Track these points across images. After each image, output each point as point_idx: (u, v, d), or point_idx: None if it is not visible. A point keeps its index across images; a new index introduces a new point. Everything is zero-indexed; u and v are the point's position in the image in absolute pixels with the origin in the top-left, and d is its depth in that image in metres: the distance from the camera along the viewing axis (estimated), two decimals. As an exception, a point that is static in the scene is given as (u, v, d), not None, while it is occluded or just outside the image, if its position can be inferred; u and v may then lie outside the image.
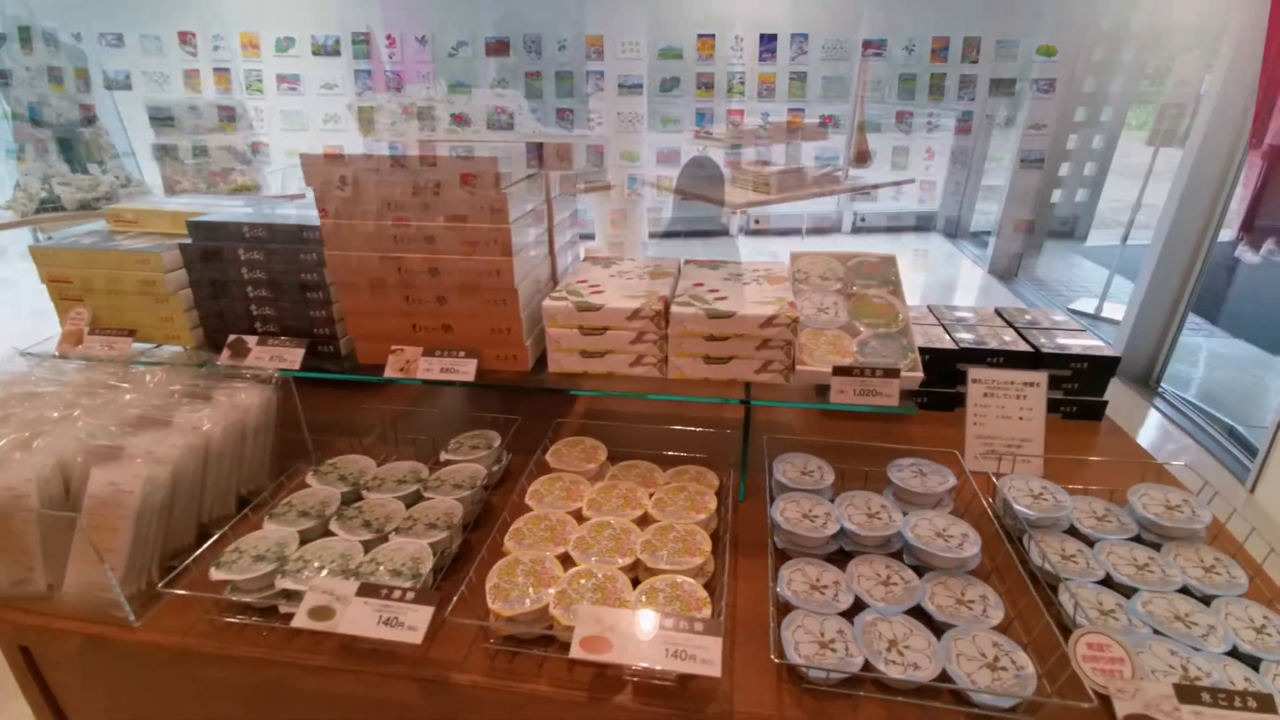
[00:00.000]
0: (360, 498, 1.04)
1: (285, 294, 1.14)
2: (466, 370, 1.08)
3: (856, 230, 5.98)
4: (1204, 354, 3.85)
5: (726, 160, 3.47)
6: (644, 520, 0.97)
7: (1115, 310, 4.16)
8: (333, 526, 0.94)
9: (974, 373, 1.17)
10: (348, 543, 0.90)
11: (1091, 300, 4.50)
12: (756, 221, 5.91)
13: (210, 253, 1.13)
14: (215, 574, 0.85)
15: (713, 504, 0.98)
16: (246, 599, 0.85)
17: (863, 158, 3.75)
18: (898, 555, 0.92)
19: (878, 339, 1.08)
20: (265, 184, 3.32)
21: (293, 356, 1.14)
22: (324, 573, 0.84)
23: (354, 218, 1.03)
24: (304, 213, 1.20)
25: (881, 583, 0.86)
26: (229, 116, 3.28)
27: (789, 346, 1.02)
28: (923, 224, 6.10)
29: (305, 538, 0.93)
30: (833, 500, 0.99)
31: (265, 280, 1.14)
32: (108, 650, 0.89)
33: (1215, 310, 4.22)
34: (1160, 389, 3.25)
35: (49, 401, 1.03)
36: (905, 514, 0.95)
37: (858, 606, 0.83)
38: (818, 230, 5.96)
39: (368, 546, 0.90)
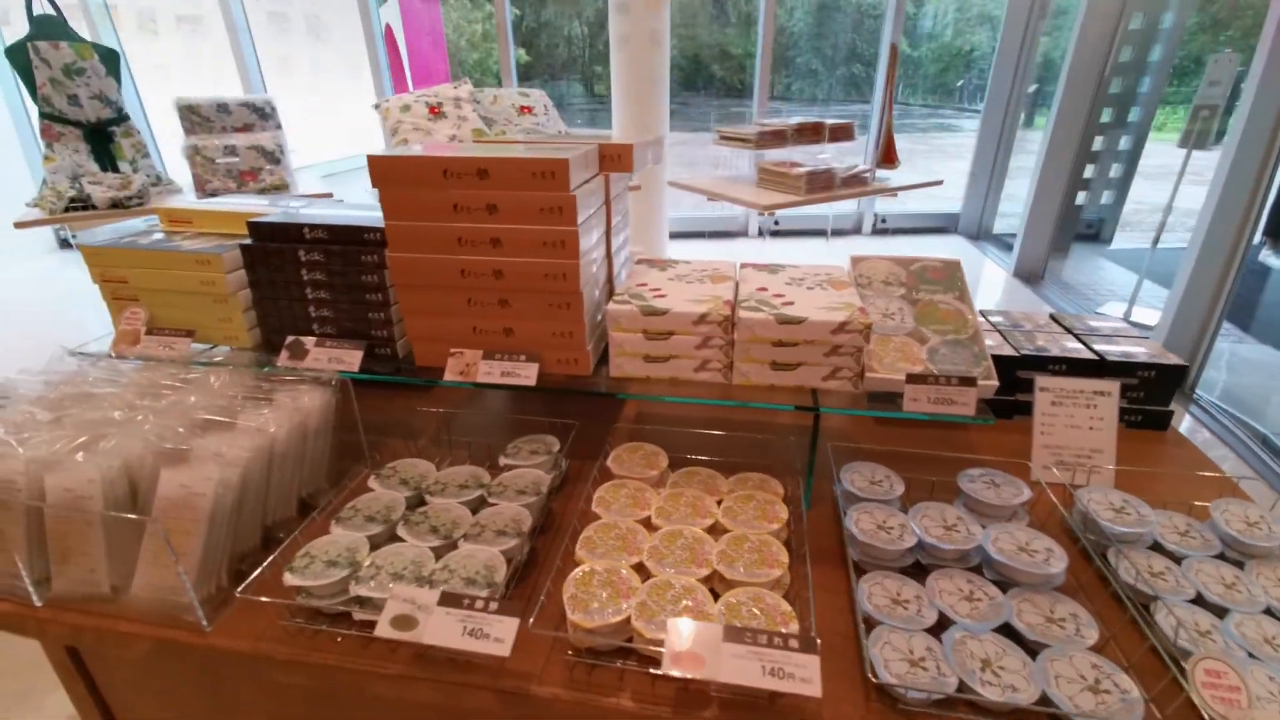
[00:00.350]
0: (423, 502, 1.03)
1: (344, 295, 1.13)
2: (527, 374, 1.07)
3: (877, 232, 5.93)
4: (1235, 359, 3.79)
5: (756, 162, 3.45)
6: (714, 529, 0.95)
7: (1144, 315, 4.10)
8: (400, 532, 0.93)
9: (1042, 381, 1.14)
10: (418, 549, 0.89)
11: (1119, 305, 4.44)
12: (776, 223, 5.87)
13: (271, 253, 1.13)
14: (289, 579, 0.84)
15: (784, 513, 0.96)
16: (320, 605, 0.84)
17: (890, 159, 3.71)
18: (975, 570, 0.90)
19: (947, 346, 1.06)
20: (294, 183, 3.33)
21: (351, 358, 1.13)
22: (399, 580, 0.83)
23: (418, 219, 1.02)
24: (362, 214, 1.20)
25: (965, 598, 0.84)
26: (261, 115, 3.29)
27: (859, 353, 1.00)
28: (945, 226, 6.04)
29: (374, 543, 0.92)
30: (904, 511, 0.97)
31: (325, 281, 1.13)
32: (176, 654, 0.88)
33: (1245, 316, 4.15)
34: (1195, 395, 3.20)
35: (109, 402, 1.03)
36: (984, 527, 0.93)
37: (941, 623, 0.81)
38: (836, 232, 5.91)
39: (438, 553, 0.89)
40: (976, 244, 5.75)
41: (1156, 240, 4.52)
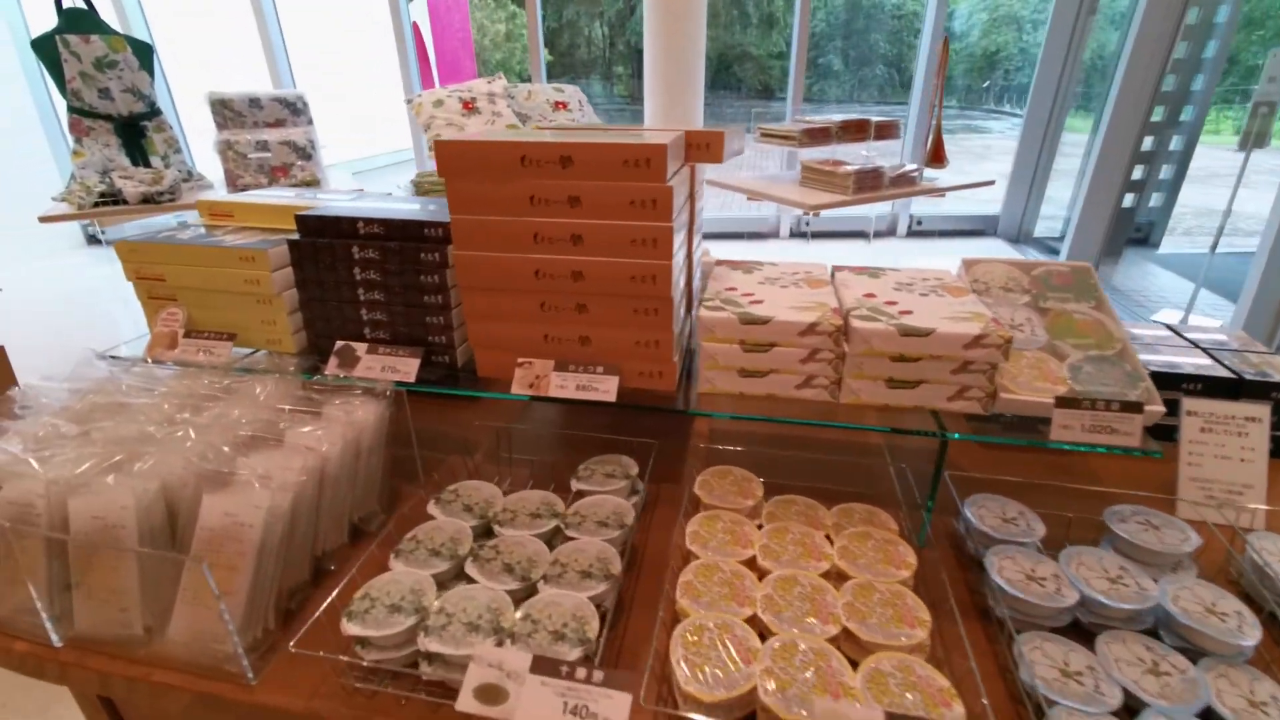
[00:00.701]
0: (490, 532, 0.91)
1: (401, 297, 1.02)
2: (606, 389, 0.95)
3: (913, 234, 5.75)
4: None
5: (801, 160, 3.31)
6: (830, 573, 0.82)
7: (1202, 324, 3.89)
8: (470, 569, 0.81)
9: (1190, 404, 1.00)
10: (492, 593, 0.77)
11: (1174, 312, 4.23)
12: (808, 224, 5.72)
13: (321, 250, 1.02)
14: (348, 627, 0.72)
15: (911, 556, 0.83)
16: (383, 658, 0.72)
17: (939, 158, 3.55)
18: (1148, 632, 0.76)
19: (1091, 363, 0.92)
20: (325, 179, 3.25)
21: (407, 367, 1.02)
22: (474, 630, 0.71)
23: (489, 212, 0.90)
24: (420, 206, 1.08)
25: (1149, 670, 0.70)
26: (293, 110, 3.22)
27: (993, 371, 0.87)
28: (983, 228, 5.85)
29: (439, 581, 0.80)
30: (1044, 554, 0.84)
31: (379, 281, 1.02)
32: (217, 709, 0.77)
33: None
34: None
35: (144, 414, 0.92)
36: (1155, 580, 0.79)
37: (1126, 703, 0.67)
38: (859, 233, 5.74)
39: (515, 597, 0.77)
40: (1017, 247, 5.55)
41: (1215, 245, 4.31)
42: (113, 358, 1.11)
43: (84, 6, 2.86)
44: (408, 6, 5.15)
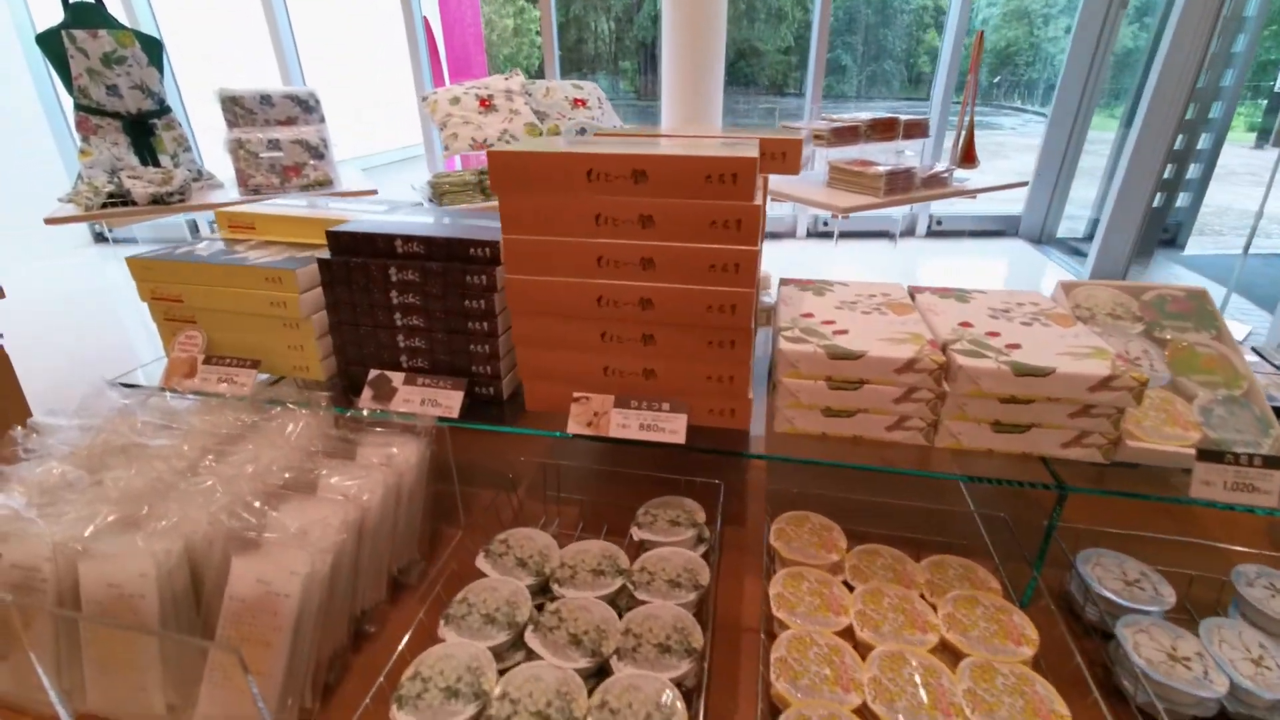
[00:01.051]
0: (547, 589, 0.82)
1: (442, 322, 0.92)
2: (674, 429, 0.85)
3: (932, 233, 5.62)
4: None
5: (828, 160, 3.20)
6: (939, 647, 0.72)
7: (1233, 330, 3.77)
8: (531, 641, 0.72)
9: (1321, 447, 0.89)
10: (560, 673, 0.68)
11: (1208, 318, 4.10)
12: (825, 224, 5.60)
13: (355, 270, 0.92)
14: (399, 717, 0.63)
15: (1031, 630, 0.73)
16: (440, 753, 0.63)
17: (970, 159, 3.43)
18: (1312, 720, 0.66)
19: (1223, 405, 0.82)
20: (338, 179, 3.15)
21: (450, 400, 0.92)
22: (545, 723, 0.62)
23: (548, 232, 0.81)
24: (463, 223, 0.99)
25: (1332, 776, 0.60)
26: (304, 107, 3.12)
27: (1119, 416, 0.77)
28: (1003, 229, 5.72)
29: (497, 653, 0.71)
30: (1190, 630, 0.74)
31: (419, 305, 0.92)
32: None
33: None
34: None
35: (163, 458, 0.82)
36: (1317, 661, 0.69)
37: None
38: (887, 234, 5.62)
39: (586, 677, 0.68)
40: (1040, 248, 5.43)
41: (1248, 246, 4.18)
42: (125, 385, 1.02)
43: (91, 0, 2.76)
44: (419, 2, 5.04)
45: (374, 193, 3.00)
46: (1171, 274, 5.12)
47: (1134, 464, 0.79)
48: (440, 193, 2.64)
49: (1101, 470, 0.80)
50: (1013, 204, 5.66)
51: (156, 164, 2.91)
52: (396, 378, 0.95)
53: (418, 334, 0.94)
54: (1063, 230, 5.62)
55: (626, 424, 0.86)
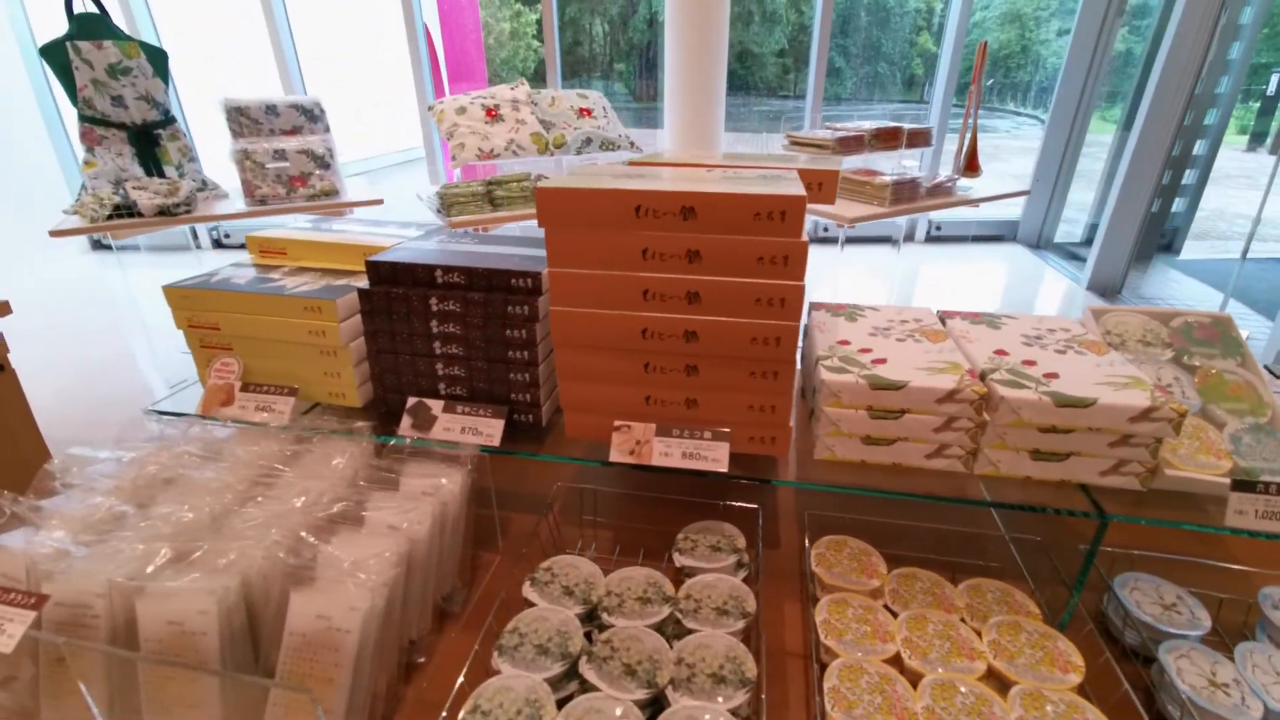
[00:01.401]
0: (595, 617, 0.82)
1: (482, 351, 0.93)
2: (716, 457, 0.86)
3: (931, 239, 5.67)
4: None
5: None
6: (986, 675, 0.74)
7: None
8: (586, 672, 0.73)
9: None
10: (619, 704, 0.69)
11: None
12: (826, 230, 5.63)
13: (395, 300, 0.92)
14: (464, 753, 0.64)
15: (1077, 658, 0.74)
16: (505, 789, 0.63)
17: (973, 167, 3.46)
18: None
19: (1250, 433, 0.84)
20: (343, 189, 3.15)
21: (490, 429, 0.93)
22: (608, 758, 0.63)
23: (594, 265, 0.82)
24: (502, 251, 0.99)
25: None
26: (309, 117, 3.12)
27: (1157, 445, 0.78)
28: (1001, 234, 5.77)
29: (553, 685, 0.72)
30: (1226, 656, 0.76)
31: (459, 335, 0.93)
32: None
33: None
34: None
35: (210, 491, 0.83)
36: (1355, 686, 0.71)
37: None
38: (885, 240, 5.66)
39: (644, 708, 0.69)
40: (1037, 253, 5.48)
41: (1246, 251, 4.25)
42: (160, 413, 1.02)
43: (96, 11, 2.74)
44: (420, 6, 5.03)
45: (380, 202, 3.00)
46: (1168, 279, 5.18)
47: (1170, 490, 0.81)
48: (449, 204, 2.64)
49: (1137, 496, 0.82)
50: (1011, 209, 5.71)
51: (161, 174, 2.90)
52: (435, 405, 0.96)
53: (456, 362, 0.95)
54: (1060, 235, 5.67)
55: (669, 452, 0.87)
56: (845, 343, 0.93)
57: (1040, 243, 5.58)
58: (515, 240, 1.06)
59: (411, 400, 0.97)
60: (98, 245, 5.28)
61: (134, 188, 2.66)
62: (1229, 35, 4.60)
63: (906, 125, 3.42)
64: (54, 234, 2.55)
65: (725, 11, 4.09)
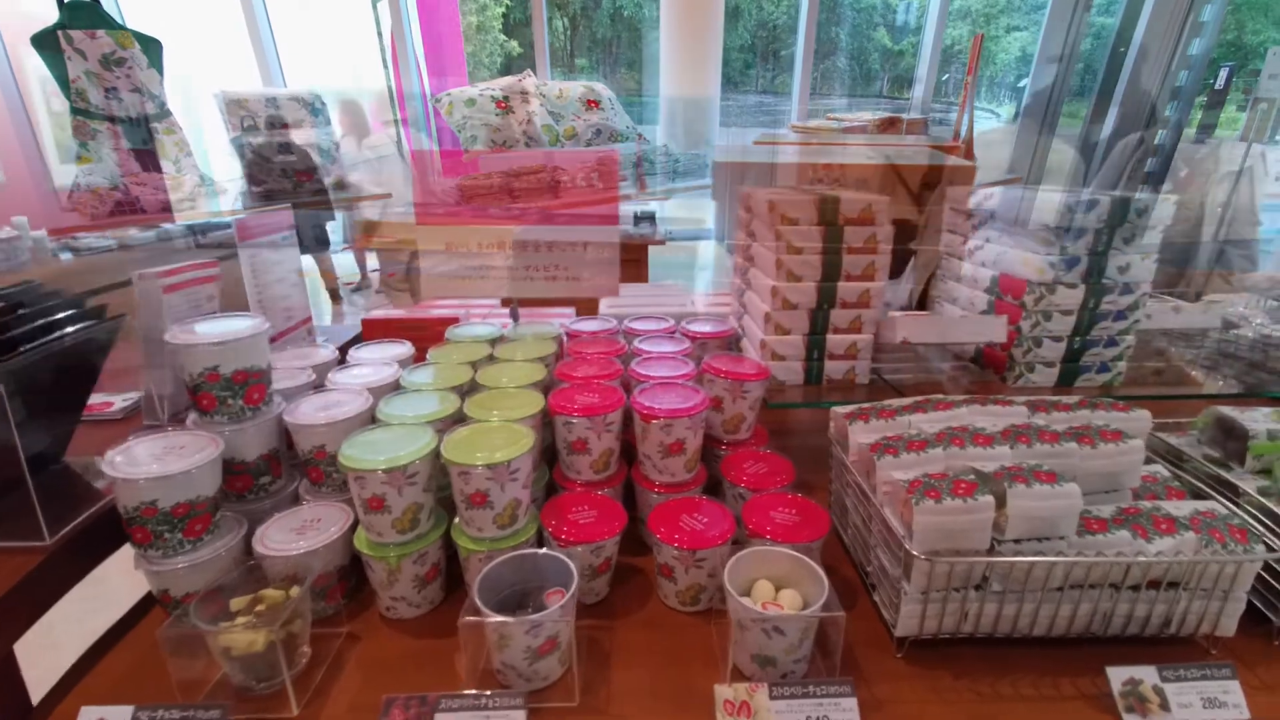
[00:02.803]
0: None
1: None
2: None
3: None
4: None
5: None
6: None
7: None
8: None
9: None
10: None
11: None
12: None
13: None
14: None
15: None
16: None
17: (970, 156, 3.59)
18: None
19: None
20: (349, 184, 3.09)
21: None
22: None
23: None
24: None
25: None
26: (311, 110, 3.05)
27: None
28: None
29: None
30: None
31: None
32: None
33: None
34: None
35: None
36: None
37: None
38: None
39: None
40: (1013, 242, 5.71)
41: (1216, 236, 4.50)
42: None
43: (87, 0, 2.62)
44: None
45: (388, 196, 2.96)
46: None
47: None
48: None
49: None
50: (985, 201, 5.93)
51: (158, 169, 2.79)
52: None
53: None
54: (1033, 226, 5.92)
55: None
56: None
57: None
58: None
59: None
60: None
61: (135, 183, 2.56)
62: (1191, 31, 4.87)
63: (905, 116, 3.53)
64: (53, 233, 2.44)
65: (718, 11, 4.14)
